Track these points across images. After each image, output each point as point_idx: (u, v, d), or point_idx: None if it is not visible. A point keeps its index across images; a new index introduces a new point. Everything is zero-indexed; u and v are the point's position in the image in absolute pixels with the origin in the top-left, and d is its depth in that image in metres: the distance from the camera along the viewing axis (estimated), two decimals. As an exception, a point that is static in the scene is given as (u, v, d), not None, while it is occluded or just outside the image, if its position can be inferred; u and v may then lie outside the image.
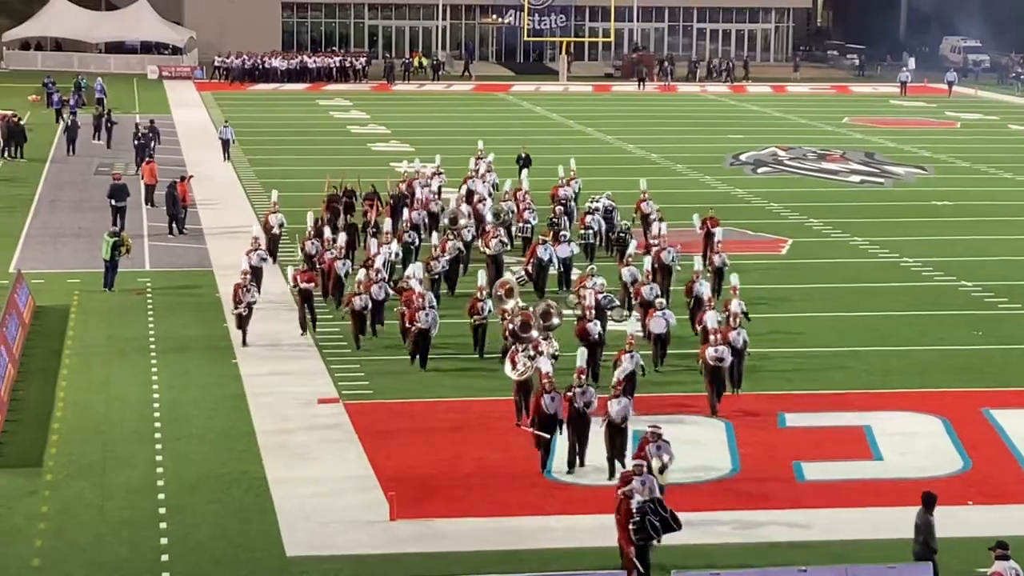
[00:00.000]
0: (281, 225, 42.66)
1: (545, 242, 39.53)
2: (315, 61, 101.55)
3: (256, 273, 37.32)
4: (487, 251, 39.82)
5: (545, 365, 27.82)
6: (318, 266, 38.10)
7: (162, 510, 25.06)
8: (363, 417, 29.90)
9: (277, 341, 35.23)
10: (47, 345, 34.89)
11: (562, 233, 40.87)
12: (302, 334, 35.36)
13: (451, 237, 40.14)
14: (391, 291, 35.42)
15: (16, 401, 30.68)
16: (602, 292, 34.54)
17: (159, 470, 26.91)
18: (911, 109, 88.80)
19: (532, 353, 29.16)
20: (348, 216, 43.28)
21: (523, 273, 38.77)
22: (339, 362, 33.36)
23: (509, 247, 41.75)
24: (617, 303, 35.07)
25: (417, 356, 32.88)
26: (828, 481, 27.05)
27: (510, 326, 31.32)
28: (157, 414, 29.97)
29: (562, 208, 44.18)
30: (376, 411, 30.46)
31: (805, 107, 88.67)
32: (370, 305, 34.41)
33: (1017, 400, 31.75)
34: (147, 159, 54.75)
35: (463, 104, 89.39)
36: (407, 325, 33.07)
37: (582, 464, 26.87)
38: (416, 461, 27.47)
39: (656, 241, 39.32)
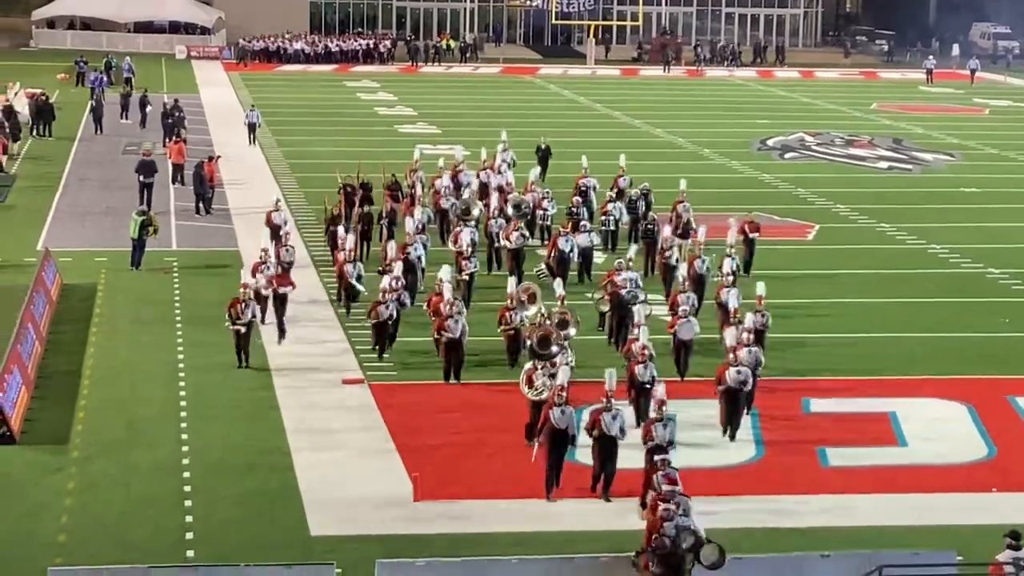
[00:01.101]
0: (285, 223, 40.32)
1: (566, 234, 38.57)
2: (338, 44, 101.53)
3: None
4: (508, 245, 38.80)
5: (563, 376, 25.96)
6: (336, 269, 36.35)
7: (187, 488, 25.16)
8: (388, 398, 29.94)
9: (302, 322, 35.26)
10: (74, 323, 35.02)
11: (582, 223, 39.99)
12: (279, 343, 33.35)
13: (463, 229, 38.60)
14: (409, 302, 33.90)
15: (43, 378, 30.81)
16: (625, 287, 33.38)
17: (184, 448, 27.01)
18: (940, 95, 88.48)
19: (552, 371, 26.98)
20: (363, 207, 41.72)
21: (543, 267, 38.07)
22: (365, 342, 33.35)
23: (530, 239, 40.64)
24: (642, 297, 33.60)
25: (450, 370, 31.01)
26: (852, 467, 27.01)
27: (528, 342, 29.56)
28: (183, 393, 30.08)
29: (580, 199, 43.13)
30: (401, 392, 30.50)
31: (833, 93, 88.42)
32: (395, 315, 32.55)
33: (1043, 388, 31.70)
34: (175, 139, 54.84)
35: (490, 87, 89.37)
36: (436, 336, 31.26)
37: (607, 493, 24.85)
38: (440, 442, 27.51)
39: (664, 246, 37.85)
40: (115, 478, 25.65)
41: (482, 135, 57.12)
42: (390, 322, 32.31)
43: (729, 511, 24.37)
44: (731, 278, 33.63)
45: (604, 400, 25.00)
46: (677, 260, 36.96)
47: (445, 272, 33.12)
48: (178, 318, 35.45)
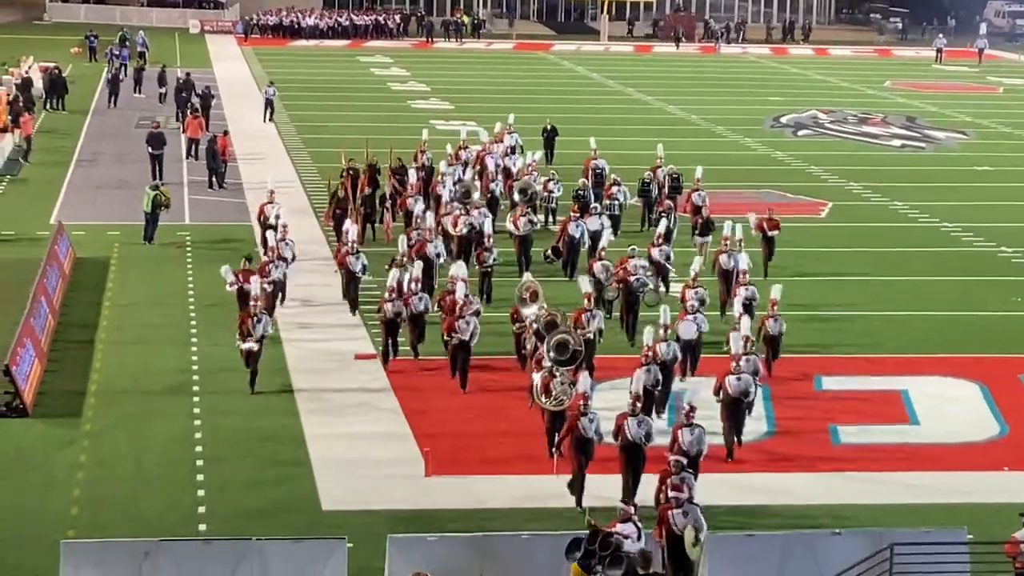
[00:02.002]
0: (278, 217, 36.97)
1: (578, 218, 37.36)
2: (350, 19, 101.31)
3: (277, 288, 33.24)
4: (516, 231, 37.39)
5: (584, 384, 24.73)
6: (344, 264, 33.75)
7: (199, 462, 25.22)
8: (400, 373, 29.95)
9: (313, 296, 35.28)
10: (87, 297, 35.08)
11: (592, 205, 38.97)
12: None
13: (463, 212, 37.61)
14: (430, 305, 31.12)
15: (56, 352, 30.88)
16: (634, 275, 32.19)
17: (196, 423, 27.07)
18: (953, 73, 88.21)
19: (571, 379, 25.66)
20: (367, 189, 40.50)
21: (550, 251, 37.05)
22: (377, 318, 33.30)
23: (539, 226, 39.19)
24: (650, 286, 32.55)
25: (457, 372, 29.31)
26: (864, 444, 27.03)
27: (535, 326, 28.04)
28: (195, 367, 30.13)
29: (587, 181, 42.04)
30: (413, 368, 30.48)
31: (847, 70, 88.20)
32: (404, 313, 30.39)
33: (1055, 367, 31.68)
34: (193, 113, 54.72)
35: (504, 63, 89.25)
36: (446, 336, 29.56)
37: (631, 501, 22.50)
38: (452, 418, 27.55)
39: (655, 242, 35.26)
40: (127, 452, 25.72)
41: (495, 111, 57.00)
42: (399, 320, 30.36)
43: (741, 488, 24.38)
44: (745, 276, 32.13)
45: (629, 405, 23.93)
46: (669, 259, 34.79)
47: (459, 269, 31.35)
48: (191, 292, 35.48)
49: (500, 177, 43.65)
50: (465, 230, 36.91)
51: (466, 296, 29.93)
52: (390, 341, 30.49)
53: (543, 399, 25.53)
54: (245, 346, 28.69)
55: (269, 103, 61.70)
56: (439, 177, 41.92)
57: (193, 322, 33.07)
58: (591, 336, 28.86)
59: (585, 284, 30.71)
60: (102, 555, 20.29)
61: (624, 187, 41.83)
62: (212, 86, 65.22)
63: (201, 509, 23.36)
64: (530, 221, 37.94)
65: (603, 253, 33.98)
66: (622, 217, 41.08)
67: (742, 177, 50.76)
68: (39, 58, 70.53)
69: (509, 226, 37.92)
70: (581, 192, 41.01)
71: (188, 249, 39.81)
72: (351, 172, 41.00)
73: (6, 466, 25.03)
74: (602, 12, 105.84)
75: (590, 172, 43.39)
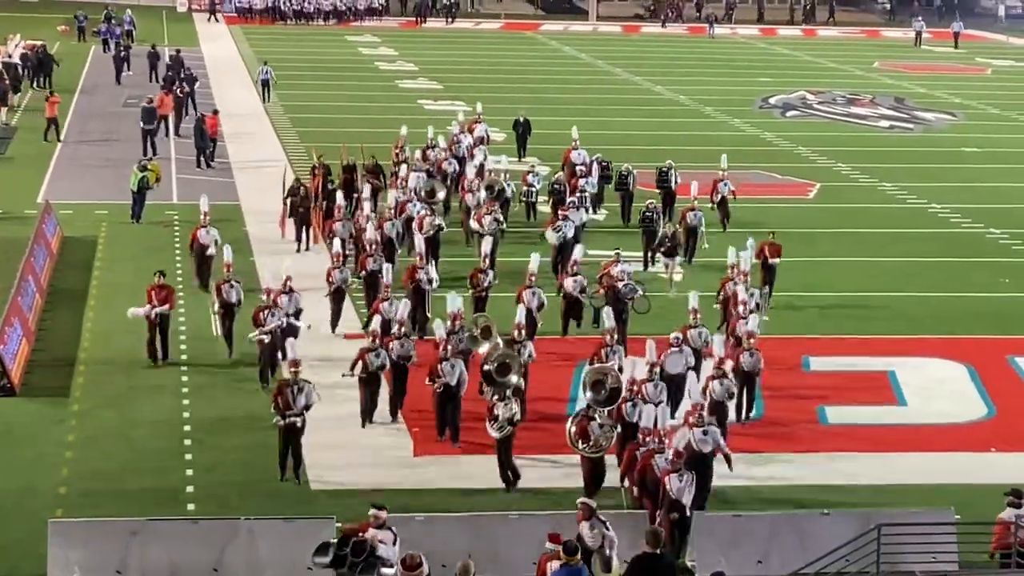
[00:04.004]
0: (217, 243, 33.58)
1: (565, 217, 35.72)
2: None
3: (277, 341, 28.08)
4: (481, 230, 35.31)
5: (650, 416, 22.62)
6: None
7: (187, 441, 25.24)
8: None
9: (303, 276, 35.19)
10: (74, 275, 35.05)
11: (569, 200, 37.50)
12: (153, 365, 28.99)
13: (428, 212, 35.76)
14: (414, 353, 26.81)
15: (43, 331, 30.85)
16: (622, 280, 30.63)
17: (185, 401, 27.07)
18: (942, 55, 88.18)
19: (611, 422, 23.60)
20: (328, 185, 38.34)
21: (550, 232, 35.30)
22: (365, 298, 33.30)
23: (504, 225, 36.96)
24: (640, 292, 30.84)
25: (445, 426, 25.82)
26: (852, 425, 27.10)
27: (486, 366, 25.32)
28: (184, 346, 30.09)
29: (562, 175, 40.64)
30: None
31: (835, 51, 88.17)
32: (387, 364, 26.56)
33: (1042, 348, 31.73)
34: (166, 90, 54.47)
35: (492, 43, 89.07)
36: (428, 382, 25.84)
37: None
38: (440, 398, 27.48)
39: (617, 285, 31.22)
40: (116, 431, 25.72)
41: (483, 91, 56.97)
42: (381, 373, 26.52)
43: (728, 468, 24.37)
44: (744, 307, 28.69)
45: (655, 440, 22.23)
46: (633, 291, 30.91)
47: (454, 302, 27.85)
48: (179, 272, 35.37)
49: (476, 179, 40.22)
50: (431, 231, 34.75)
51: (449, 334, 26.56)
52: (370, 404, 26.56)
53: (580, 445, 23.18)
54: (285, 423, 23.98)
55: (265, 83, 61.38)
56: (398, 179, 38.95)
57: (181, 301, 32.93)
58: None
59: (609, 319, 27.53)
60: (90, 534, 20.35)
61: (592, 178, 40.52)
62: (200, 65, 64.96)
63: (189, 488, 23.38)
64: (496, 220, 36.13)
65: (575, 267, 31.31)
66: (590, 211, 39.38)
67: (730, 158, 50.55)
68: (25, 36, 70.21)
69: (473, 224, 36.54)
70: (558, 187, 39.80)
71: (176, 228, 39.73)
72: (323, 168, 39.10)
73: (-6, 445, 25.06)
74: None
75: (594, 166, 41.36)
